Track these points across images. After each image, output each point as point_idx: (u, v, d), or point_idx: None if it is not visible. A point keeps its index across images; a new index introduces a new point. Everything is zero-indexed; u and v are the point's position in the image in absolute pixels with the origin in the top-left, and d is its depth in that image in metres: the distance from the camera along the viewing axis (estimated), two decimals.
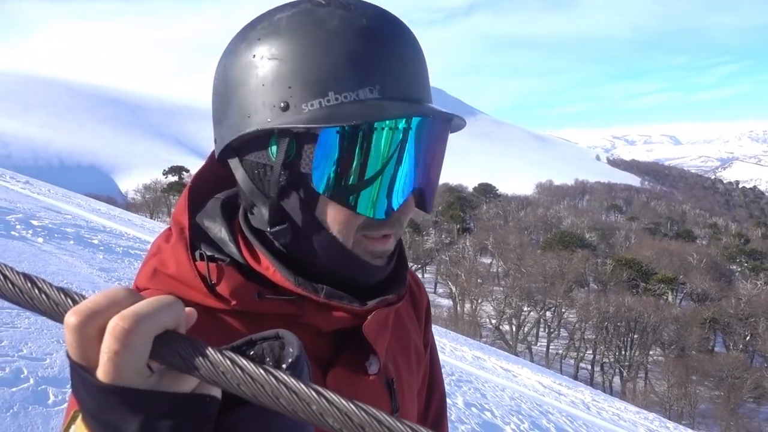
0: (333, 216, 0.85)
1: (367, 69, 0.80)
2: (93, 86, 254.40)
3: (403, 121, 0.80)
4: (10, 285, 0.50)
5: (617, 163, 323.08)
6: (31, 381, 3.58)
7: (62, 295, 0.50)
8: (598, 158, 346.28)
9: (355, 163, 0.80)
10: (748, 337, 52.87)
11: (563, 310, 54.47)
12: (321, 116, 0.79)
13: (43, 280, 0.51)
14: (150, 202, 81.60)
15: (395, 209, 0.84)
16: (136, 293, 0.52)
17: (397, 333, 1.05)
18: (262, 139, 0.85)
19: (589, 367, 49.87)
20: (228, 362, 0.47)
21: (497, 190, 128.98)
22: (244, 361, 0.47)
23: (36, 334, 4.35)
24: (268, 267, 0.87)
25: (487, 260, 76.05)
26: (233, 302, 0.83)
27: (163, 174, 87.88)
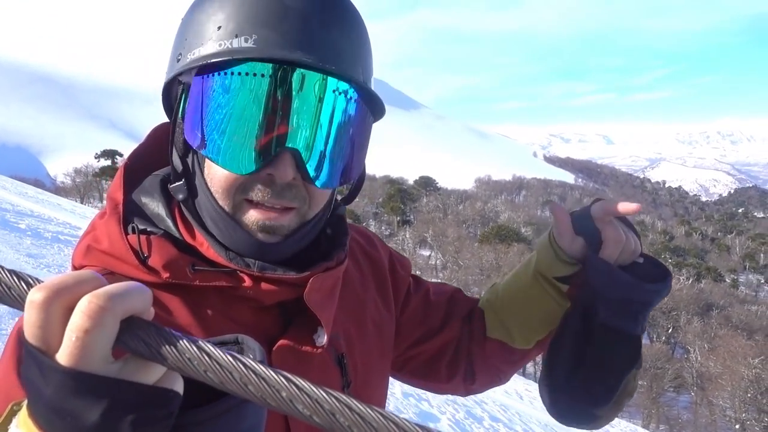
0: (213, 174, 0.83)
1: (246, 18, 0.79)
2: (21, 62, 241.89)
3: (269, 68, 0.77)
4: None
5: (553, 161, 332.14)
6: None
7: (14, 278, 0.48)
8: (535, 155, 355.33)
9: (217, 111, 0.78)
10: (670, 329, 55.47)
11: None
12: (188, 62, 0.80)
13: None
14: (81, 187, 78.59)
15: (260, 164, 0.79)
16: (102, 277, 0.49)
17: (349, 305, 1.02)
18: (176, 95, 0.86)
19: None
20: (195, 349, 0.45)
21: (437, 183, 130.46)
22: (211, 348, 0.45)
23: None
24: (203, 242, 0.86)
25: (426, 252, 76.89)
26: (166, 275, 0.81)
27: (95, 158, 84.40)
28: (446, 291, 1.25)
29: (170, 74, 0.85)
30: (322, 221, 0.94)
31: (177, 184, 0.87)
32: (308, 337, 0.88)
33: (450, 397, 8.43)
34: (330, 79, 0.80)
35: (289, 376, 0.44)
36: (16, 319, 4.53)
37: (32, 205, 14.01)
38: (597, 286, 0.99)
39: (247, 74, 0.77)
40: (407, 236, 76.81)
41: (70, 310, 0.46)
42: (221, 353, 0.45)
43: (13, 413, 0.51)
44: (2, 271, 0.48)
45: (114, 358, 0.48)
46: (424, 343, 1.18)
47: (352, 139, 0.86)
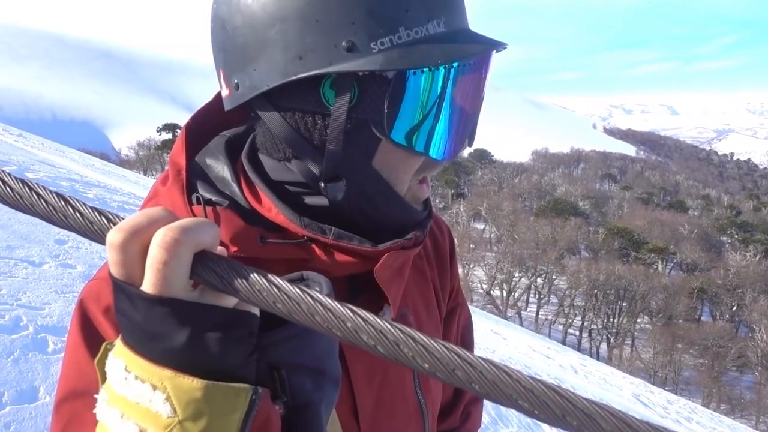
0: (394, 162, 0.80)
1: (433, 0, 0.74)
2: (85, 39, 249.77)
3: (479, 57, 0.76)
4: (43, 203, 0.50)
5: (613, 132, 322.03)
6: (31, 329, 3.62)
7: (96, 214, 0.51)
8: (594, 126, 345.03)
9: (433, 105, 0.75)
10: (734, 308, 53.64)
11: (554, 276, 54.96)
12: (397, 57, 0.72)
13: (77, 200, 0.51)
14: (144, 159, 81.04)
15: (462, 147, 0.82)
16: (172, 212, 0.52)
17: (418, 282, 1.01)
18: (310, 82, 0.76)
19: (578, 333, 50.60)
20: (264, 281, 0.47)
21: (492, 156, 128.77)
22: (280, 281, 0.48)
23: (34, 285, 4.37)
24: (271, 208, 0.82)
25: (480, 226, 76.30)
26: (234, 248, 0.78)
27: (157, 131, 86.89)
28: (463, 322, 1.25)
29: (341, 66, 0.73)
30: None
31: (335, 183, 0.80)
32: (375, 313, 0.83)
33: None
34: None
35: (355, 308, 0.45)
36: (16, 260, 4.73)
37: (99, 176, 14.57)
38: None
39: (461, 66, 0.74)
40: (461, 209, 76.30)
41: (147, 245, 0.49)
42: (290, 286, 0.47)
43: (107, 351, 0.54)
44: (85, 208, 0.51)
45: (193, 288, 0.51)
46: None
47: None
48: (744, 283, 53.68)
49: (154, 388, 0.49)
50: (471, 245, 60.09)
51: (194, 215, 0.79)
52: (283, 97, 0.78)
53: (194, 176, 0.84)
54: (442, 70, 0.74)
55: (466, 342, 1.25)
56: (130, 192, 12.90)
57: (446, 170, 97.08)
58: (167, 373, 0.49)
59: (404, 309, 0.94)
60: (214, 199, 0.81)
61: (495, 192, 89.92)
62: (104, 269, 0.78)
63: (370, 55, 0.72)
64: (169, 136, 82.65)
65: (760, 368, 42.69)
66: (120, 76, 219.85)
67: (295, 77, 0.74)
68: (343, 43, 0.73)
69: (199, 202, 0.80)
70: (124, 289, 0.50)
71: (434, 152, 0.78)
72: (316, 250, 0.82)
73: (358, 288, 0.87)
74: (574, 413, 0.40)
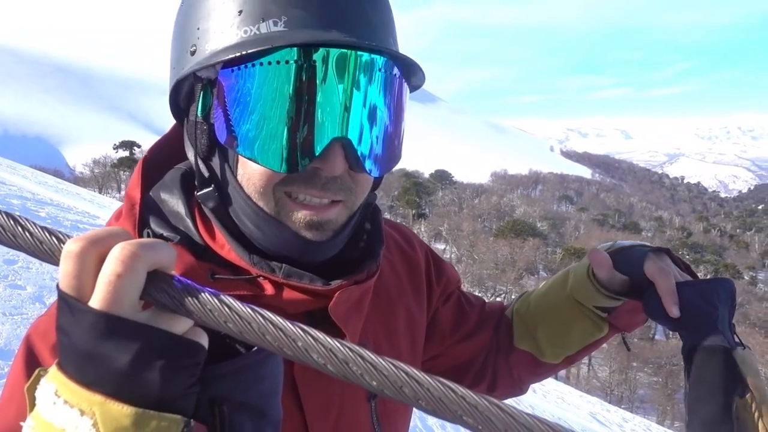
0: (249, 174, 0.76)
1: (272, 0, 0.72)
2: (41, 53, 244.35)
3: (309, 53, 0.70)
4: None
5: (570, 155, 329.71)
6: None
7: (47, 234, 0.50)
8: (552, 149, 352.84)
9: (253, 105, 0.71)
10: None
11: (513, 296, 55.55)
12: (208, 56, 0.73)
13: (27, 219, 0.50)
14: (99, 177, 79.44)
15: (308, 161, 0.73)
16: (130, 233, 0.51)
17: (380, 311, 0.98)
18: (191, 92, 0.79)
19: None
20: (215, 301, 0.47)
21: (453, 177, 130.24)
22: (231, 300, 0.47)
23: None
24: (224, 245, 0.81)
25: (440, 246, 76.82)
26: None
27: (114, 148, 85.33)
28: (479, 300, 1.23)
29: (184, 70, 0.76)
30: (362, 210, 0.89)
31: (206, 191, 0.80)
32: None
33: None
34: (371, 56, 0.73)
35: (305, 327, 0.45)
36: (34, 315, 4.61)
37: (52, 194, 14.20)
38: (654, 317, 0.99)
39: (286, 62, 0.69)
40: (422, 230, 76.75)
41: (102, 260, 0.48)
42: (241, 305, 0.47)
43: (39, 377, 0.52)
44: (35, 227, 0.50)
45: (141, 309, 0.49)
46: (454, 349, 1.14)
47: (397, 116, 0.80)
48: None
49: (82, 413, 0.46)
50: None
51: None
52: (186, 110, 0.80)
53: (148, 211, 0.83)
54: (255, 70, 0.70)
55: (486, 310, 1.21)
56: (84, 210, 12.59)
57: (407, 190, 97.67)
58: (97, 398, 0.46)
59: (364, 341, 0.91)
60: (165, 234, 0.80)
61: (455, 213, 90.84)
62: (54, 305, 0.75)
63: (201, 57, 0.73)
64: (126, 153, 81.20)
65: None
66: (76, 92, 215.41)
67: (171, 87, 0.78)
68: (191, 48, 0.74)
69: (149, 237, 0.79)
70: (70, 303, 0.48)
71: (267, 160, 0.73)
72: (267, 287, 0.80)
73: (316, 322, 0.82)
74: (516, 428, 0.40)
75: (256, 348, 0.53)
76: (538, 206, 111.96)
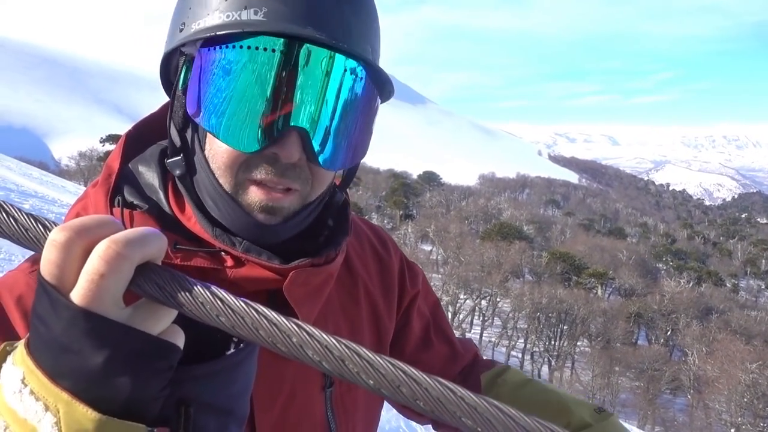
0: (215, 150, 0.80)
1: None
2: (28, 44, 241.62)
3: (280, 43, 0.74)
4: None
5: (558, 160, 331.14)
6: None
7: (32, 221, 0.48)
8: (540, 153, 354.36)
9: (222, 84, 0.75)
10: (669, 332, 55.48)
11: (498, 299, 55.66)
12: (193, 34, 0.77)
13: (12, 205, 0.49)
14: (85, 170, 78.53)
15: (265, 143, 0.76)
16: (119, 222, 0.50)
17: (345, 304, 1.00)
18: (177, 66, 0.84)
19: (520, 355, 51.27)
20: (207, 293, 0.46)
21: (441, 178, 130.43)
22: (224, 293, 0.46)
23: None
24: (191, 217, 0.84)
25: (427, 247, 76.82)
26: None
27: (100, 142, 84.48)
28: (463, 344, 1.22)
29: (172, 44, 0.81)
30: (321, 204, 0.91)
31: (174, 159, 0.84)
32: None
33: None
34: (339, 57, 0.77)
35: (300, 323, 0.45)
36: None
37: (36, 186, 14.05)
38: None
39: (257, 48, 0.74)
40: (409, 231, 76.74)
41: (88, 251, 0.47)
42: (234, 299, 0.46)
43: (6, 353, 0.50)
44: (20, 214, 0.48)
45: (125, 305, 0.48)
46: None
47: (360, 119, 0.83)
48: (678, 309, 55.61)
49: (47, 408, 0.46)
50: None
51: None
52: (175, 83, 0.84)
53: (124, 181, 0.86)
54: (229, 51, 0.75)
55: (438, 321, 1.21)
56: (68, 203, 12.47)
57: (395, 191, 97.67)
58: (64, 396, 0.46)
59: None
60: (135, 202, 0.83)
61: (443, 214, 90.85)
62: (26, 263, 0.78)
63: (185, 34, 0.78)
64: (113, 146, 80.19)
65: (692, 391, 44.17)
66: (64, 84, 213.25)
67: (161, 60, 0.84)
68: (180, 25, 0.80)
69: (119, 205, 0.82)
70: (50, 293, 0.46)
71: (227, 137, 0.77)
72: (228, 261, 0.82)
73: (275, 306, 0.82)
74: (516, 430, 0.39)
75: (231, 351, 0.53)
76: (525, 210, 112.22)
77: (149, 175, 0.87)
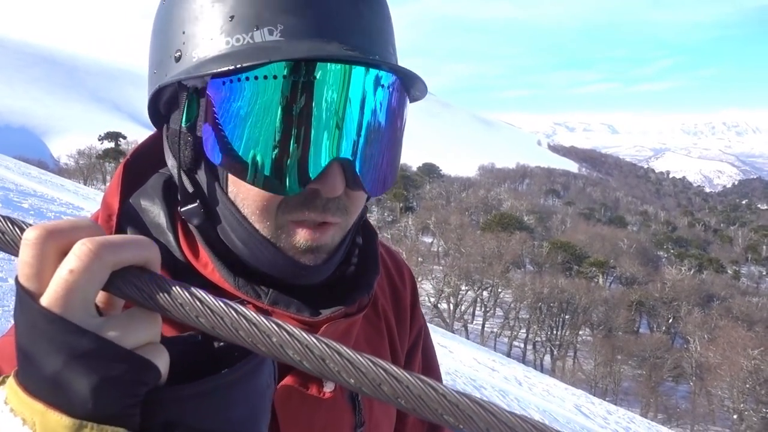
0: (245, 194, 0.71)
1: (265, 4, 0.66)
2: (26, 43, 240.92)
3: (310, 68, 0.65)
4: None
5: (557, 149, 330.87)
6: None
7: (8, 224, 0.47)
8: (539, 143, 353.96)
9: (248, 123, 0.66)
10: (670, 320, 55.55)
11: (500, 290, 55.72)
12: (196, 65, 0.67)
13: None
14: (84, 169, 78.56)
15: (307, 183, 0.68)
16: (99, 226, 0.47)
17: (369, 338, 0.94)
18: (174, 99, 0.73)
19: (522, 345, 51.41)
20: (186, 294, 0.44)
21: (441, 170, 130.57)
22: (203, 294, 0.45)
23: None
24: (207, 264, 0.76)
25: (428, 239, 76.87)
26: None
27: (99, 140, 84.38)
28: (439, 374, 1.19)
29: (169, 77, 0.70)
30: (356, 228, 0.84)
31: (189, 207, 0.74)
32: (317, 380, 0.77)
33: (449, 381, 8.48)
34: (373, 71, 0.69)
35: (281, 323, 0.44)
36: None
37: (35, 185, 14.03)
38: None
39: (284, 77, 0.64)
40: (410, 223, 76.79)
41: (63, 252, 0.44)
42: (213, 299, 0.45)
43: (2, 381, 0.48)
44: None
45: (99, 315, 0.46)
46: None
47: (398, 133, 0.76)
48: (679, 296, 55.72)
49: (24, 422, 0.44)
50: (419, 259, 60.46)
51: None
52: (167, 116, 0.76)
53: (126, 221, 0.78)
54: (250, 84, 0.65)
55: (428, 358, 1.14)
56: (68, 202, 12.47)
57: (395, 184, 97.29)
58: (39, 407, 0.44)
59: None
60: None
61: (443, 206, 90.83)
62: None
63: (188, 64, 0.68)
64: (111, 144, 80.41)
65: (694, 378, 44.31)
66: (62, 83, 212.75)
67: (151, 93, 0.73)
68: (175, 53, 0.70)
69: None
70: (19, 294, 0.45)
71: (262, 182, 0.68)
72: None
73: None
74: (498, 426, 0.39)
75: (227, 369, 0.49)
76: (525, 200, 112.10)
77: (154, 213, 0.78)
